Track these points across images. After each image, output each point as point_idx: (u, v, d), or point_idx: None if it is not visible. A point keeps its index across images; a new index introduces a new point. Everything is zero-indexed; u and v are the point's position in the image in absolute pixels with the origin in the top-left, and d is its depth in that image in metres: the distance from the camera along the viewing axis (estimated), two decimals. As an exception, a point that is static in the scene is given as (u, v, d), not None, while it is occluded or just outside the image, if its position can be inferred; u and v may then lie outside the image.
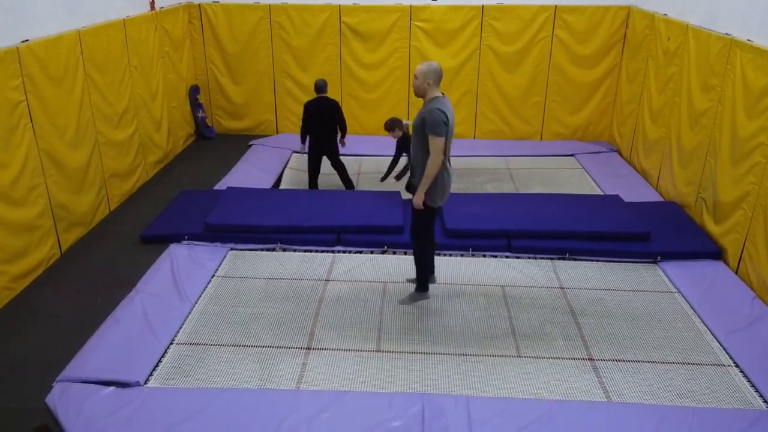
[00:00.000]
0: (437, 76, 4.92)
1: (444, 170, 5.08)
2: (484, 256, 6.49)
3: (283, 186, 8.52)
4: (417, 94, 5.02)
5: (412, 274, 5.90)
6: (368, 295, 5.78)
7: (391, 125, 7.15)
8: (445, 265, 6.28)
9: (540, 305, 5.66)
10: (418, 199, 5.11)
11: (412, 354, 4.98)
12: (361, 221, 6.67)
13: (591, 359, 4.94)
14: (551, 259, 6.44)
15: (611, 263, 6.36)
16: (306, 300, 5.70)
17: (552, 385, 4.63)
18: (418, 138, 5.03)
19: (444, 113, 4.85)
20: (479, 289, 5.91)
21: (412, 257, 6.40)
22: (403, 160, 7.35)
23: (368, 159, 9.40)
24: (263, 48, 10.02)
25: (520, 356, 4.97)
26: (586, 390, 4.60)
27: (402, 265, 6.28)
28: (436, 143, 4.85)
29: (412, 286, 5.87)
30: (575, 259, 6.43)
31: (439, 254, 6.47)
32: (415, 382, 4.66)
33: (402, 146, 7.23)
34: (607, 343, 5.15)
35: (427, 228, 5.47)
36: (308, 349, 5.03)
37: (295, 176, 8.82)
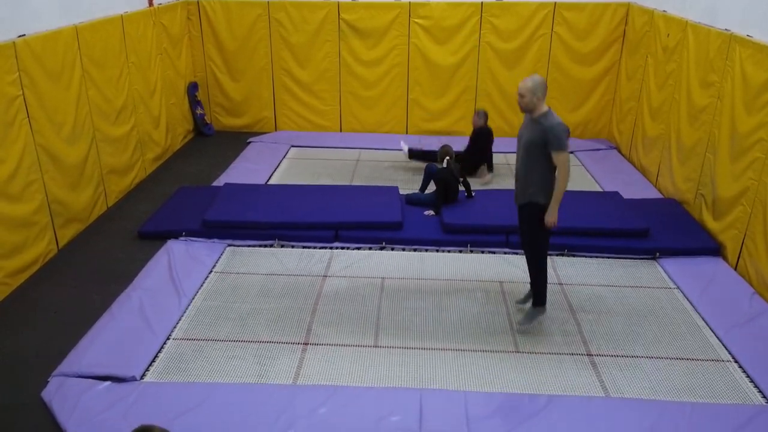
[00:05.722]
0: (544, 89, 4.61)
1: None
2: (483, 252, 6.47)
3: (281, 175, 8.56)
4: (525, 110, 4.70)
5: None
6: (366, 290, 5.76)
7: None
8: (444, 261, 6.27)
9: (538, 301, 5.63)
10: (553, 218, 4.76)
11: (410, 349, 4.96)
12: (359, 217, 6.66)
13: (589, 355, 4.92)
14: (550, 255, 6.38)
15: (610, 259, 6.34)
16: (304, 296, 5.67)
17: (550, 381, 4.61)
18: (533, 154, 4.70)
19: (566, 127, 4.64)
20: (477, 284, 5.89)
21: (414, 254, 6.40)
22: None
23: (366, 152, 9.50)
24: (262, 45, 9.99)
25: (518, 352, 4.95)
26: (584, 386, 4.58)
27: (400, 262, 6.26)
28: (565, 158, 4.59)
29: (410, 284, 5.86)
30: (574, 256, 6.41)
31: (437, 250, 6.47)
32: (412, 378, 4.63)
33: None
34: (605, 339, 5.12)
35: (547, 236, 5.06)
36: (306, 344, 5.01)
37: (293, 165, 8.89)
